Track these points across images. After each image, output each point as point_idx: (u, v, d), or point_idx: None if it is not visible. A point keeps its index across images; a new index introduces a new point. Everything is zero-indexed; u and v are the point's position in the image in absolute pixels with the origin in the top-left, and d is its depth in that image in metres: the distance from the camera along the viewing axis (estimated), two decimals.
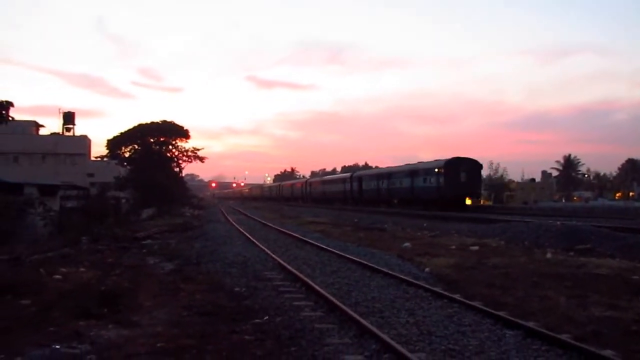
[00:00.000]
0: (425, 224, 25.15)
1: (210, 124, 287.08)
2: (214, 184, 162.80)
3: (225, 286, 10.20)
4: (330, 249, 15.55)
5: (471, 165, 39.81)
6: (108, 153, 63.71)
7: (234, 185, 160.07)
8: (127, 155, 64.35)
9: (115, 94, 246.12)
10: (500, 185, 74.55)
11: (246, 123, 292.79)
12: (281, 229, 23.66)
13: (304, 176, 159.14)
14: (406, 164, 47.23)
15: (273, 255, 14.14)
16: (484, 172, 65.19)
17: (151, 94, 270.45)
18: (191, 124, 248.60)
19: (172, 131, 68.16)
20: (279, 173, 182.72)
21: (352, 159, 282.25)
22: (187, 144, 70.11)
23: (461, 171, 38.92)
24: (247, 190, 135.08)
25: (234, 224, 28.52)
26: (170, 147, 70.50)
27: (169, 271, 12.32)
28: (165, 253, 15.73)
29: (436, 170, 39.81)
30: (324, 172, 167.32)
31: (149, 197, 41.97)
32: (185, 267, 12.78)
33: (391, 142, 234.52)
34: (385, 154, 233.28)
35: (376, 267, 11.98)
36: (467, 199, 39.93)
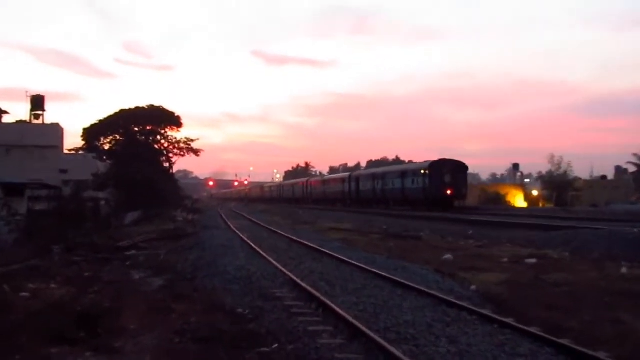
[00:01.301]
0: (470, 231, 25.36)
1: (207, 110, 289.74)
2: (211, 183, 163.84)
3: (225, 306, 10.32)
4: (353, 261, 15.65)
5: (456, 167, 48.25)
6: (85, 145, 64.15)
7: (236, 183, 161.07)
8: (107, 147, 64.96)
9: (94, 73, 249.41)
10: (563, 184, 73.77)
11: (252, 108, 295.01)
12: (293, 237, 23.88)
13: (320, 173, 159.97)
14: (398, 165, 55.78)
15: (283, 270, 14.26)
16: (543, 167, 69.68)
17: (137, 73, 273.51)
18: (184, 110, 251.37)
19: (162, 118, 68.28)
20: (291, 169, 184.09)
21: (380, 151, 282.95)
22: (179, 133, 70.70)
23: (445, 173, 47.07)
24: (247, 191, 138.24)
25: (236, 230, 28.77)
26: (159, 137, 70.18)
27: (158, 288, 12.42)
28: (153, 266, 15.80)
29: (422, 171, 48.58)
30: (345, 168, 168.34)
31: (133, 198, 42.46)
32: (178, 283, 12.89)
33: (428, 131, 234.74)
34: (421, 146, 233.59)
35: (410, 284, 12.02)
36: (452, 199, 47.43)
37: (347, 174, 72.37)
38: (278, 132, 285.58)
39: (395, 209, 49.91)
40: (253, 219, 41.36)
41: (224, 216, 47.00)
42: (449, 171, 47.44)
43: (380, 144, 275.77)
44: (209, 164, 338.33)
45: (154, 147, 66.90)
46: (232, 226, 33.07)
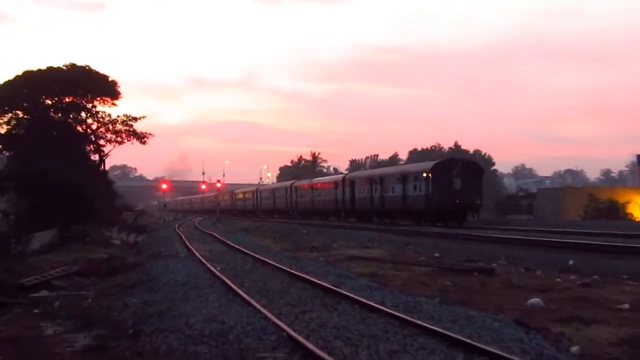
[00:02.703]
0: (571, 261, 25.11)
1: (160, 73, 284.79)
2: (165, 186, 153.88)
3: None
4: (387, 308, 15.62)
5: (467, 168, 53.59)
6: None
7: (203, 187, 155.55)
8: (3, 131, 63.99)
9: None
10: None
11: (230, 70, 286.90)
12: (294, 271, 23.85)
13: (335, 170, 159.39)
14: (399, 165, 66.53)
15: (277, 322, 14.29)
16: None
17: (50, 15, 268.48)
18: (124, 72, 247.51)
19: (88, 85, 67.39)
20: (290, 163, 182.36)
21: (431, 136, 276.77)
22: (115, 108, 70.41)
23: (454, 176, 51.91)
24: (215, 198, 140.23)
25: (204, 260, 28.74)
26: (85, 115, 70.22)
27: (81, 349, 12.71)
28: (75, 315, 16.31)
29: (424, 174, 54.01)
30: (373, 163, 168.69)
31: (45, 210, 42.80)
32: (113, 343, 13.15)
33: (507, 105, 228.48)
34: (496, 127, 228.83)
35: (476, 344, 11.90)
36: (464, 211, 53.16)
37: (340, 175, 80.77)
38: (269, 105, 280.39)
39: (405, 224, 54.63)
40: (230, 242, 41.46)
41: (184, 237, 47.42)
42: (459, 174, 52.44)
43: (430, 125, 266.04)
44: (162, 156, 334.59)
45: (76, 131, 66.34)
46: (197, 253, 33.14)
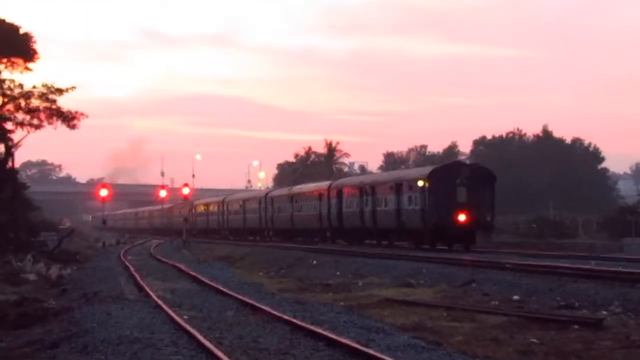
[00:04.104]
0: None
1: (98, 24, 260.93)
2: (104, 192, 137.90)
3: None
4: None
5: (475, 175, 50.93)
6: None
7: (163, 193, 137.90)
8: None
9: None
10: None
11: (202, 19, 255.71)
12: (296, 321, 22.20)
13: (362, 168, 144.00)
14: (395, 171, 62.37)
15: None
16: None
17: None
18: (43, 23, 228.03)
19: None
20: (294, 158, 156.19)
21: (506, 118, 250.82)
22: (29, 75, 63.87)
23: (458, 185, 49.91)
24: (163, 213, 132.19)
25: (163, 305, 27.02)
26: None
27: None
28: None
29: (420, 183, 51.40)
30: (419, 159, 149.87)
31: None
32: None
33: (626, 72, 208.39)
34: (609, 105, 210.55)
35: None
36: (470, 231, 50.74)
37: (326, 183, 74.95)
38: (261, 72, 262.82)
39: (411, 248, 52.82)
40: (202, 278, 39.70)
41: (133, 269, 44.85)
42: (465, 182, 50.14)
43: (506, 101, 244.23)
44: (101, 148, 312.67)
45: None
46: (153, 294, 31.10)
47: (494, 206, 52.57)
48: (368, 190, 60.05)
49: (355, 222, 61.36)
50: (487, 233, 54.52)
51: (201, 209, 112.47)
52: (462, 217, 48.96)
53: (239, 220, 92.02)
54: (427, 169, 53.98)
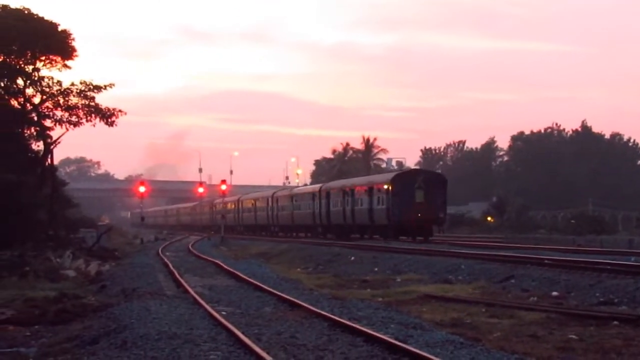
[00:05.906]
0: None
1: (136, 22, 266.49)
2: (143, 188, 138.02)
3: None
4: None
5: (430, 180, 63.50)
6: None
7: (200, 190, 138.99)
8: None
9: None
10: None
11: (239, 17, 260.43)
12: (334, 317, 22.14)
13: (399, 164, 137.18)
14: (369, 176, 76.68)
15: None
16: None
17: None
18: (81, 20, 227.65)
19: (28, 37, 60.08)
20: (332, 155, 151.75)
21: (545, 113, 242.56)
22: (68, 73, 63.65)
23: (416, 188, 61.39)
24: (188, 211, 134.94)
25: (201, 300, 27.15)
26: (23, 81, 62.63)
27: None
28: None
29: (385, 186, 62.93)
30: (457, 155, 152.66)
31: None
32: None
33: None
34: None
35: None
36: (425, 225, 62.12)
37: (318, 185, 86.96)
38: (298, 68, 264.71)
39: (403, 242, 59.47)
40: (240, 274, 39.44)
41: (172, 266, 44.77)
42: (421, 186, 61.81)
43: (545, 95, 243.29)
44: (139, 145, 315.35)
45: (9, 105, 59.78)
46: (191, 290, 31.18)
47: (445, 204, 64.65)
48: (348, 192, 71.28)
49: (339, 219, 72.66)
50: (440, 226, 66.08)
51: (219, 207, 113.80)
52: (419, 214, 60.67)
53: (251, 217, 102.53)
54: (391, 175, 67.37)
